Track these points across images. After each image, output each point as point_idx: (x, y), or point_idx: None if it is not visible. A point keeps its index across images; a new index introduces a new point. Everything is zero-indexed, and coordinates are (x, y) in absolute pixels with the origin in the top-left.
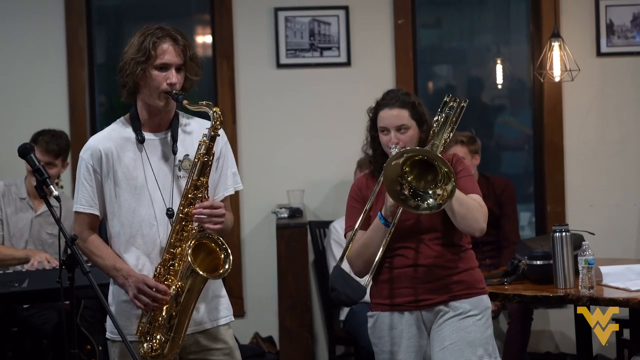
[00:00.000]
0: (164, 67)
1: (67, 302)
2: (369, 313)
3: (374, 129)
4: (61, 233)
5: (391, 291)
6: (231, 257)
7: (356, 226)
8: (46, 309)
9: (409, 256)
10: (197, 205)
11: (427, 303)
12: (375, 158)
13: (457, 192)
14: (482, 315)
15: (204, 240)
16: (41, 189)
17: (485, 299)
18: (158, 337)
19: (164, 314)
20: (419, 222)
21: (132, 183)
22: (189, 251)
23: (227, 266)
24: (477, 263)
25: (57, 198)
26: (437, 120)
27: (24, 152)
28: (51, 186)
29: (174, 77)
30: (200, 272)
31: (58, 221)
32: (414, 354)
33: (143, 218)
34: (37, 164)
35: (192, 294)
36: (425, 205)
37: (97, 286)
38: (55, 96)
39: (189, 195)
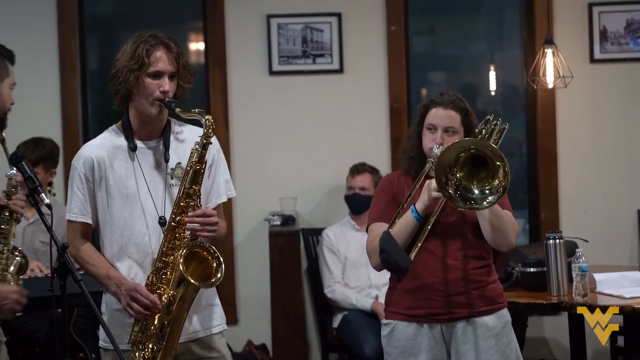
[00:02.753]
0: (157, 75)
1: (59, 310)
2: (384, 321)
3: (420, 124)
4: (53, 241)
5: (412, 301)
6: (223, 266)
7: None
8: (38, 317)
9: (433, 266)
10: (189, 214)
11: (449, 317)
12: (413, 154)
13: (494, 206)
14: (504, 333)
15: (196, 249)
16: (33, 197)
17: (505, 314)
18: (150, 346)
19: (156, 322)
20: (448, 231)
21: (124, 192)
22: (181, 260)
23: (219, 275)
24: (497, 276)
25: (49, 206)
26: (481, 134)
27: (16, 160)
28: (42, 194)
29: (166, 84)
30: (192, 281)
31: (49, 229)
32: None
33: (135, 227)
34: (29, 172)
35: (184, 302)
36: (484, 204)
37: (88, 294)
38: (48, 104)
39: (181, 204)
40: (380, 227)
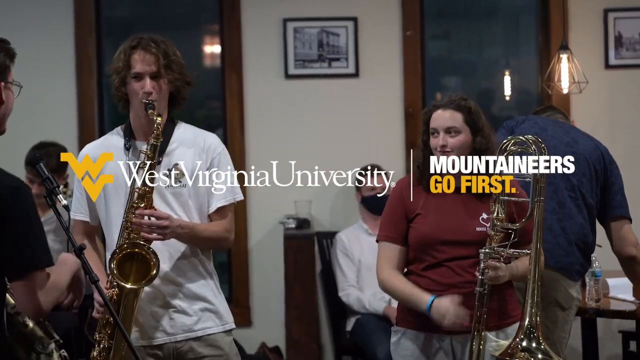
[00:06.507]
0: (139, 77)
1: (75, 311)
2: (394, 328)
3: (426, 133)
4: (70, 242)
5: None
6: (160, 265)
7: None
8: (54, 317)
9: (448, 278)
10: (138, 211)
11: (459, 330)
12: (424, 165)
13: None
14: None
15: (136, 249)
16: (50, 199)
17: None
18: (104, 343)
19: (111, 321)
20: (467, 247)
21: (120, 191)
22: (113, 266)
23: (154, 272)
24: (512, 285)
25: (66, 207)
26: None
27: (34, 161)
28: (60, 195)
29: (147, 85)
30: (126, 285)
31: (67, 230)
32: None
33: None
34: (46, 172)
35: (127, 303)
36: None
37: (105, 295)
38: (65, 106)
39: (133, 205)
40: (391, 250)
